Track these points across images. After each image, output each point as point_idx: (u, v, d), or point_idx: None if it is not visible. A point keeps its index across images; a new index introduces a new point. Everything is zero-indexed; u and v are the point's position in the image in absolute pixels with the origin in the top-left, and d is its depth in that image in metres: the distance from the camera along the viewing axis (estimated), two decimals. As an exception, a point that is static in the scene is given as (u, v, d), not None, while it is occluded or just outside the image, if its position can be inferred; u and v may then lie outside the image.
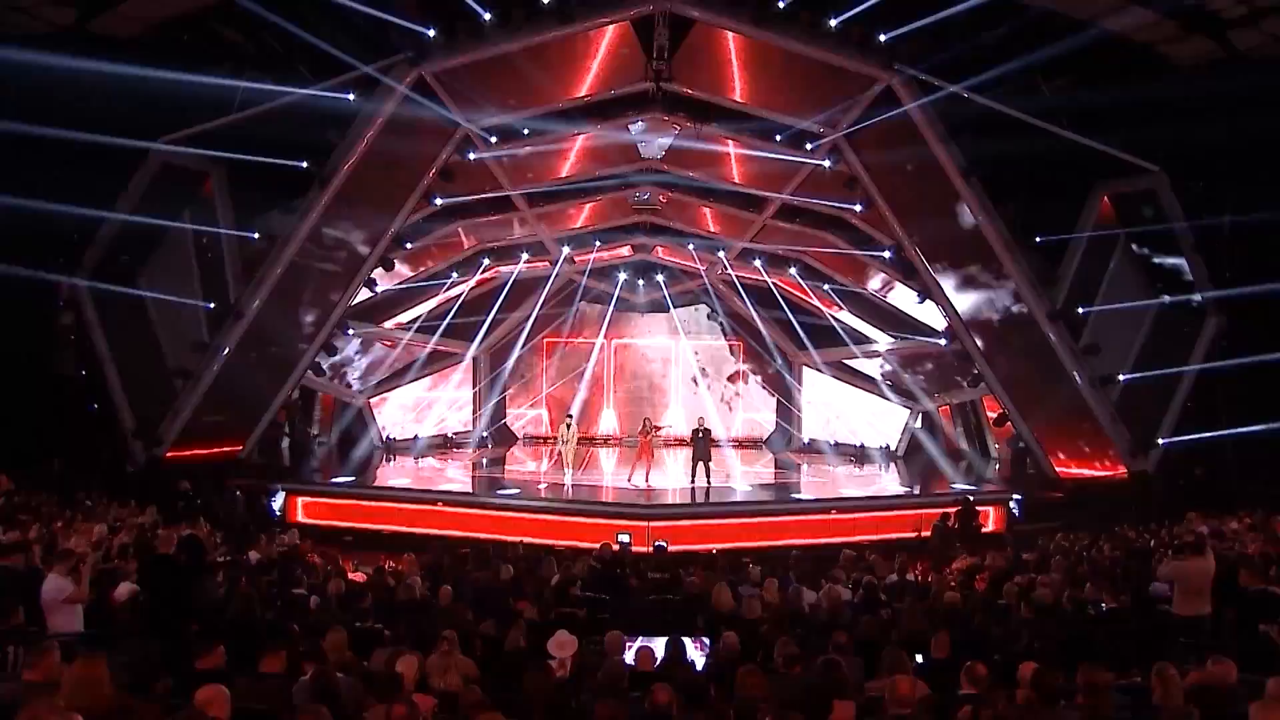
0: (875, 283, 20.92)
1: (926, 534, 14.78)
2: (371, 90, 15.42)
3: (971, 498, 15.32)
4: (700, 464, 18.49)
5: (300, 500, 16.92)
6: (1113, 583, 9.47)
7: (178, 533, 10.08)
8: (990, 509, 16.66)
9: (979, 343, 18.36)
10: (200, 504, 14.89)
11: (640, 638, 7.29)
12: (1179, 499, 15.40)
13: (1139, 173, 16.10)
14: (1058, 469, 17.99)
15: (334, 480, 18.51)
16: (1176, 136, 13.87)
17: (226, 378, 16.87)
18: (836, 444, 24.91)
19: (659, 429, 19.59)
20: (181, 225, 16.39)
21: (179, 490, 15.12)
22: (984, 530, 15.70)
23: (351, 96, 15.25)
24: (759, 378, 25.77)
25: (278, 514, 16.55)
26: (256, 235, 16.87)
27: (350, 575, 10.69)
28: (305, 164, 15.96)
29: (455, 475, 20.67)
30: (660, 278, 25.42)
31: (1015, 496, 17.30)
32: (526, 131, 16.99)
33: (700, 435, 18.76)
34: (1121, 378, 16.64)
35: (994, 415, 20.17)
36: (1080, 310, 16.68)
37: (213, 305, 16.66)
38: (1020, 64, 13.61)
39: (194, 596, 8.11)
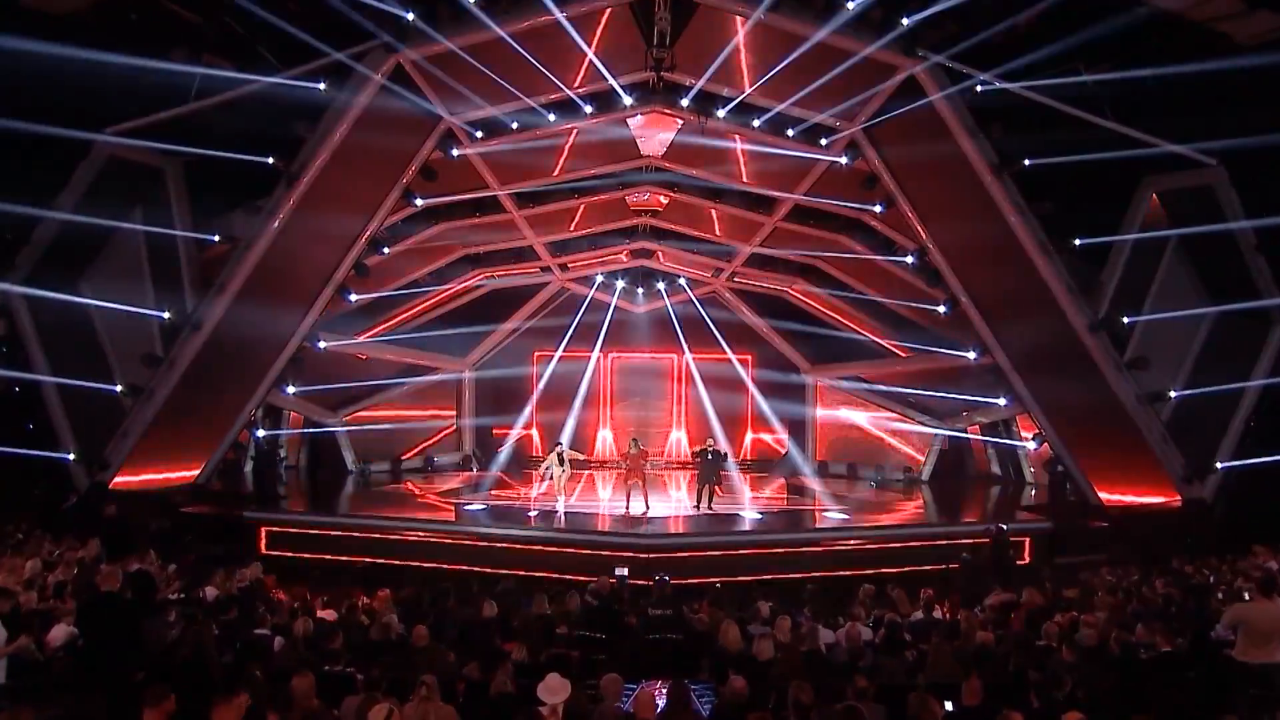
0: (896, 291, 20.92)
1: (954, 566, 14.62)
2: (344, 79, 15.31)
3: (1005, 526, 15.20)
4: (707, 487, 18.48)
5: (264, 530, 16.77)
6: (1167, 624, 9.33)
7: (124, 568, 9.92)
8: (1026, 539, 16.57)
9: (1012, 356, 18.28)
10: (133, 533, 14.67)
11: (640, 681, 7.32)
12: (1241, 530, 15.20)
13: (1193, 166, 15.95)
14: (1102, 495, 17.86)
15: (302, 508, 18.47)
16: (1237, 126, 13.72)
17: (183, 395, 16.74)
18: (854, 467, 24.91)
19: (647, 453, 19.51)
20: (131, 226, 16.23)
21: (104, 517, 14.93)
22: (1020, 563, 15.63)
23: (322, 86, 15.13)
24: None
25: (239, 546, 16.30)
26: (217, 238, 16.73)
27: (319, 613, 10.63)
28: (271, 160, 15.87)
29: (436, 502, 20.51)
30: (661, 286, 25.51)
31: (1054, 526, 17.16)
32: (515, 125, 16.95)
33: (709, 456, 18.73)
34: (1173, 394, 16.51)
35: (1030, 436, 20.13)
36: (1126, 320, 16.52)
37: (167, 315, 16.49)
38: (1058, 48, 13.47)
39: (142, 639, 7.96)
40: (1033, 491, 21.23)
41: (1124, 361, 16.55)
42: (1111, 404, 16.62)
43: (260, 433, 21.16)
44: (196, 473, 18.33)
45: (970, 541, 15.54)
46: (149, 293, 16.54)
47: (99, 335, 16.32)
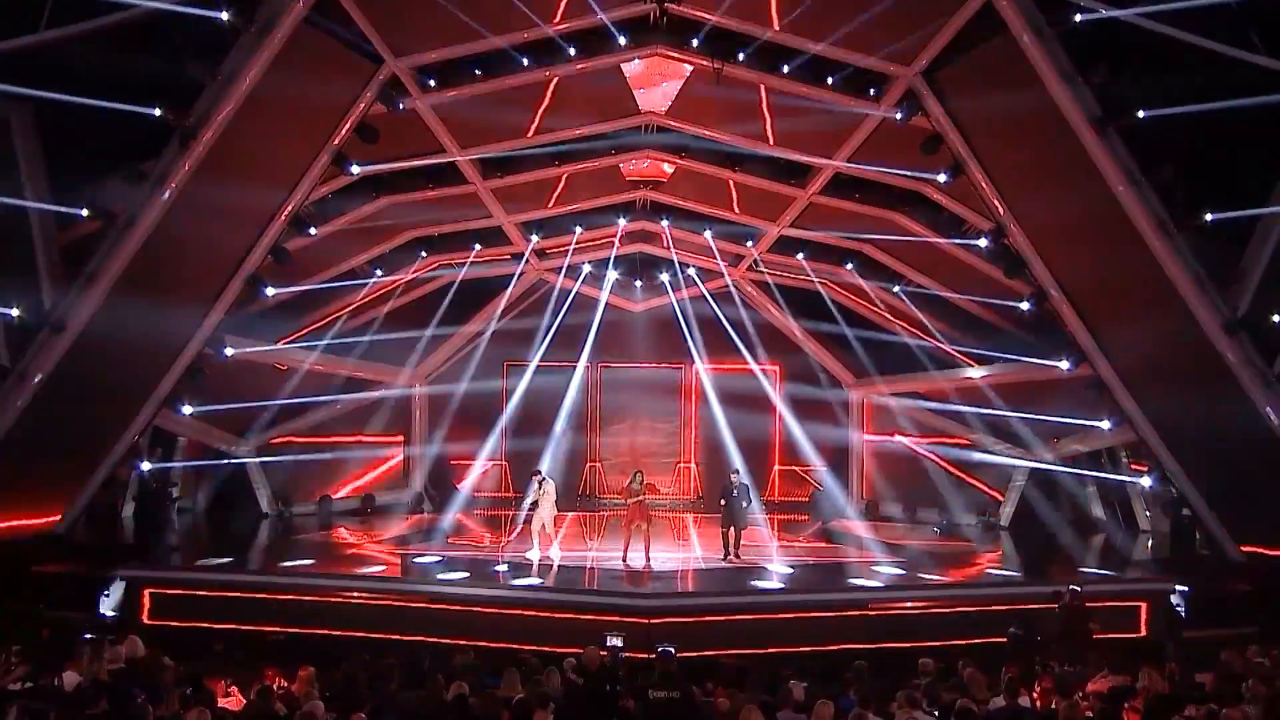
0: (965, 284, 20.95)
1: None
2: (255, 6, 15.13)
3: (1079, 588, 15.05)
4: (731, 531, 18.92)
5: (149, 592, 16.58)
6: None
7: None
8: (1142, 604, 16.49)
9: (1119, 366, 18.22)
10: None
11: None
12: None
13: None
14: (1243, 549, 17.83)
15: (201, 563, 18.25)
16: None
17: (38, 418, 16.51)
18: (912, 509, 25.09)
19: (655, 489, 19.38)
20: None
21: None
22: (1133, 635, 15.70)
23: (225, 16, 14.91)
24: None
25: (112, 614, 16.26)
26: (85, 212, 16.33)
27: (220, 701, 10.55)
28: (159, 111, 15.59)
29: (378, 553, 20.51)
30: (665, 277, 25.67)
31: (1179, 588, 16.97)
32: (479, 72, 17.04)
33: (733, 493, 19.00)
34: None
35: (1144, 470, 20.00)
36: (1276, 319, 16.25)
37: (16, 313, 16.14)
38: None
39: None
40: (1149, 542, 21.39)
41: (1273, 373, 16.31)
42: (1256, 428, 16.36)
43: (145, 466, 21.18)
44: (56, 519, 18.29)
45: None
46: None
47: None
